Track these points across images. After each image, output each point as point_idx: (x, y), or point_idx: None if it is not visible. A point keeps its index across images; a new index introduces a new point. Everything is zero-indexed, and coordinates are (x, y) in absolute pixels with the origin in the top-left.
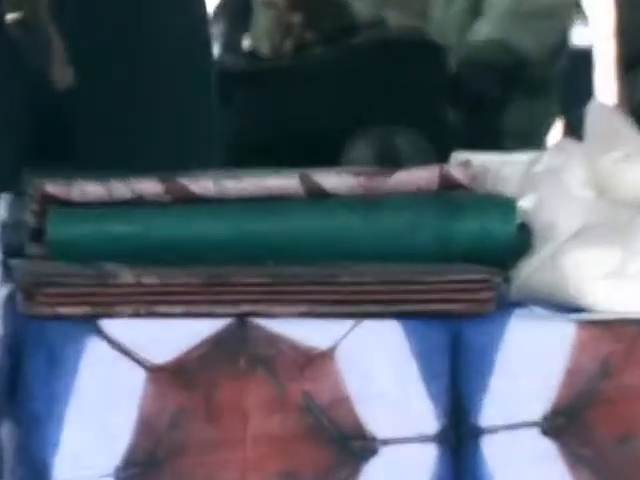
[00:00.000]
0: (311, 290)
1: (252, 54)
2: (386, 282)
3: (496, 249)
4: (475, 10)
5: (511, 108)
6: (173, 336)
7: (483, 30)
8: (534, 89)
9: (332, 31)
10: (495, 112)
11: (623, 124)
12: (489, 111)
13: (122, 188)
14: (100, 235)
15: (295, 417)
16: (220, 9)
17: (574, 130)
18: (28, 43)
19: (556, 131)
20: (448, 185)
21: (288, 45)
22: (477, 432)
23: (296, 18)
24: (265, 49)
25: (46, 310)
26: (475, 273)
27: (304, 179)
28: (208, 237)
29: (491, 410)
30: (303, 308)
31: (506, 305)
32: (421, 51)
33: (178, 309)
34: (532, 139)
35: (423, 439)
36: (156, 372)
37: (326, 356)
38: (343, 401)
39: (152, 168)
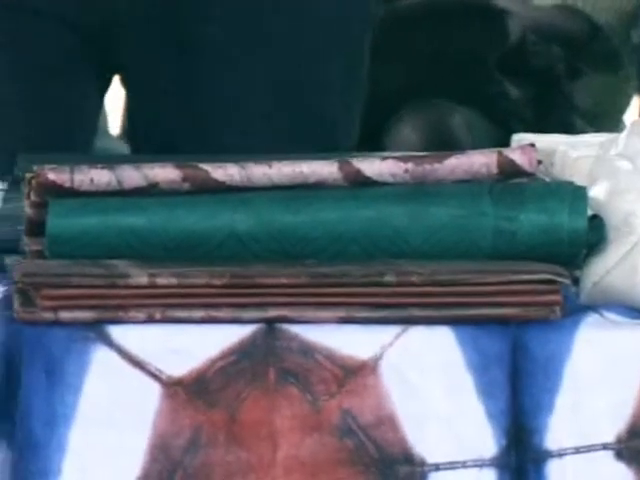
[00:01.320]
0: (351, 292)
1: None
2: (437, 283)
3: (563, 245)
4: None
5: (582, 84)
6: (192, 345)
7: None
8: (608, 62)
9: None
10: (563, 88)
11: None
12: (556, 87)
13: (134, 175)
14: (108, 229)
15: (333, 439)
16: None
17: None
18: None
19: (633, 110)
20: (508, 172)
21: None
22: (541, 456)
23: None
24: None
25: (46, 315)
26: (539, 273)
27: (343, 165)
28: (232, 231)
29: (557, 431)
30: (341, 312)
31: (575, 310)
32: (478, 16)
33: (198, 314)
34: (606, 119)
35: (479, 464)
36: (172, 386)
37: (368, 368)
38: (387, 420)
39: None
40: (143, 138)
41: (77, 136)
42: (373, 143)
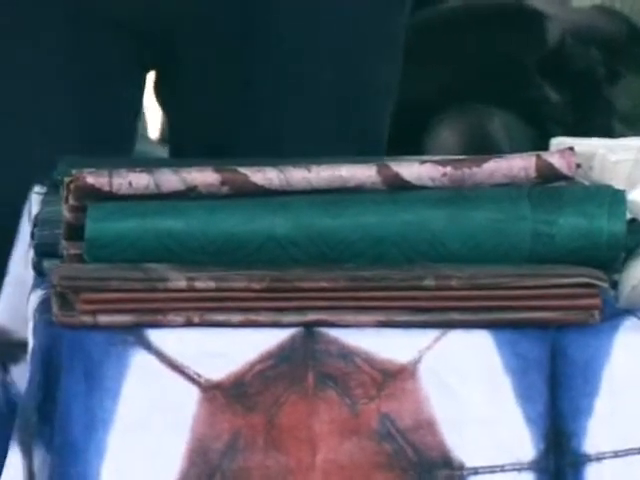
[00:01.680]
0: (390, 296)
1: None
2: (476, 287)
3: (602, 249)
4: None
5: (621, 87)
6: (231, 349)
7: None
8: None
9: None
10: (603, 91)
11: None
12: (596, 90)
13: (172, 179)
14: (147, 232)
15: (371, 443)
16: None
17: None
18: None
19: None
20: (547, 175)
21: None
22: (580, 460)
23: None
24: None
25: (85, 319)
26: (578, 276)
27: (382, 169)
28: (271, 235)
29: (596, 435)
30: (381, 316)
31: (613, 314)
32: (517, 20)
33: (236, 317)
34: None
35: (518, 467)
36: (211, 390)
37: (407, 372)
38: (426, 424)
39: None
40: (191, 140)
41: (127, 141)
42: (412, 146)
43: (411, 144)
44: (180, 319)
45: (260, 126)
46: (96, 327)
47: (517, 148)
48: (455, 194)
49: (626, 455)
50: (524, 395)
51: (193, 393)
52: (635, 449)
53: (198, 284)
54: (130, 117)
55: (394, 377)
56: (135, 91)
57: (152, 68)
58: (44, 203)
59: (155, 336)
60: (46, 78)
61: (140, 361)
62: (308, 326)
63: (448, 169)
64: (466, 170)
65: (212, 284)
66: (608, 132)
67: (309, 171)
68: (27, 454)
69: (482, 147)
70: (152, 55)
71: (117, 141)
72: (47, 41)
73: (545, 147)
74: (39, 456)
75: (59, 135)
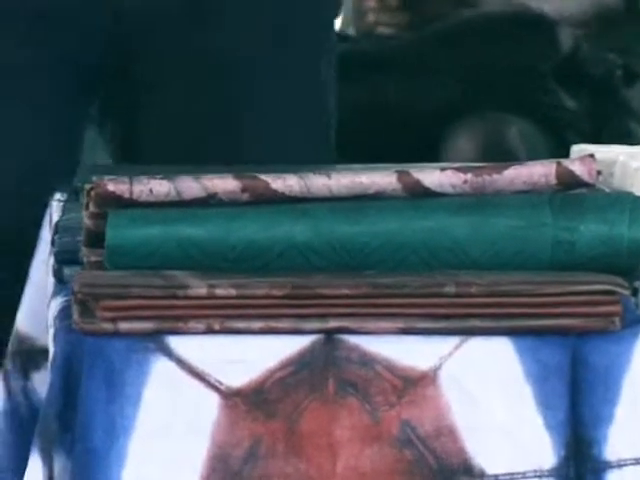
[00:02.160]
0: (410, 303)
1: (340, 35)
2: (496, 294)
3: (623, 256)
4: None
5: (638, 89)
6: (251, 356)
7: None
8: None
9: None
10: (620, 96)
11: None
12: (613, 95)
13: (193, 185)
14: (168, 239)
15: (392, 449)
16: None
17: None
18: None
19: None
20: (568, 182)
21: (384, 24)
22: (601, 467)
23: None
24: (354, 29)
25: (106, 326)
26: (599, 284)
27: (402, 176)
28: (292, 241)
29: (617, 442)
30: (401, 323)
31: (634, 321)
32: (529, 27)
33: (257, 324)
34: None
35: (539, 474)
36: (231, 397)
37: (427, 379)
38: (447, 431)
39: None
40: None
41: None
42: (430, 155)
43: (429, 153)
44: (201, 326)
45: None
46: (117, 334)
47: (535, 156)
48: (476, 201)
49: None
50: (545, 402)
51: (214, 400)
52: None
53: (219, 291)
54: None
55: (415, 384)
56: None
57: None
58: (65, 210)
59: (176, 343)
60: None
61: (161, 368)
62: (329, 333)
63: (469, 176)
64: (487, 177)
65: (233, 291)
66: (627, 136)
67: (329, 178)
68: (48, 461)
69: (500, 155)
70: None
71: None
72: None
73: (562, 155)
74: (60, 463)
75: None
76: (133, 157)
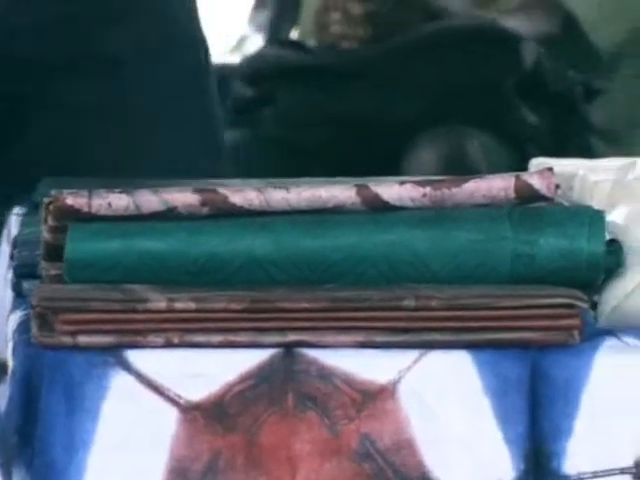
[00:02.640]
0: (370, 316)
1: (300, 46)
2: (456, 307)
3: (582, 269)
4: None
5: (598, 104)
6: (210, 369)
7: None
8: (626, 81)
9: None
10: (580, 110)
11: None
12: (573, 109)
13: (152, 199)
14: (127, 253)
15: (351, 463)
16: None
17: None
18: None
19: None
20: (527, 196)
21: (348, 36)
22: None
23: (359, 8)
24: (315, 41)
25: (65, 340)
26: (558, 297)
27: (361, 189)
28: (252, 255)
29: (576, 455)
30: (360, 337)
31: (593, 334)
32: (492, 42)
33: (216, 338)
34: (624, 140)
35: None
36: (190, 411)
37: (387, 392)
38: (406, 444)
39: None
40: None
41: None
42: (392, 167)
43: (391, 165)
44: (160, 340)
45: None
46: (76, 348)
47: (496, 169)
48: (436, 214)
49: (606, 476)
50: (504, 416)
51: (173, 414)
52: (615, 469)
53: (178, 305)
54: None
55: (374, 398)
56: None
57: None
58: (23, 224)
59: (135, 357)
60: None
61: (120, 382)
62: (288, 347)
63: (428, 189)
64: (446, 190)
65: (192, 305)
66: (587, 150)
67: (288, 192)
68: (7, 475)
69: (461, 168)
70: None
71: None
72: None
73: (524, 168)
74: (19, 477)
75: None
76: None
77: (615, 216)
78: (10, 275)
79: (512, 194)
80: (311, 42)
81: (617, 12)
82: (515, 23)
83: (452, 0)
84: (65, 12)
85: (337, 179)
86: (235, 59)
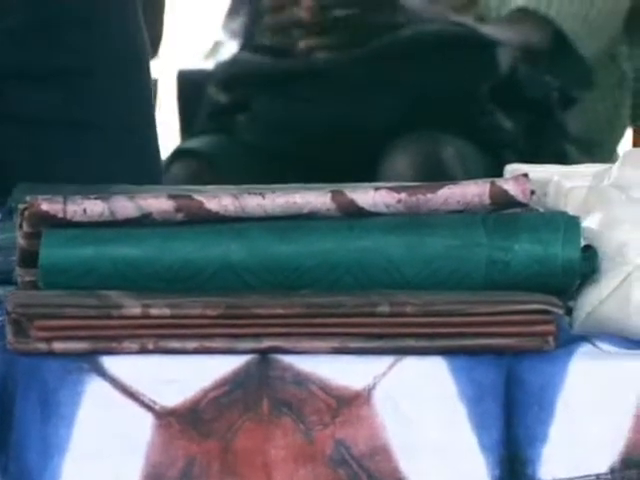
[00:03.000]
0: (344, 322)
1: (276, 52)
2: (431, 313)
3: (557, 275)
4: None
5: (574, 112)
6: (185, 375)
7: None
8: (602, 91)
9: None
10: (556, 117)
11: None
12: (549, 116)
13: (127, 205)
14: (102, 259)
15: (326, 469)
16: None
17: None
18: None
19: (626, 141)
20: (502, 202)
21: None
22: None
23: (339, 11)
24: (291, 46)
25: (40, 346)
26: (533, 303)
27: (336, 195)
28: (227, 261)
29: (551, 461)
30: (335, 343)
31: (568, 340)
32: (467, 47)
33: (191, 344)
34: (599, 148)
35: None
36: (166, 417)
37: (361, 398)
38: (381, 450)
39: None
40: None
41: None
42: (367, 172)
43: (365, 170)
44: (135, 346)
45: None
46: (51, 354)
47: (471, 175)
48: (410, 220)
49: None
50: (479, 422)
51: (148, 420)
52: (590, 475)
53: (153, 311)
54: None
55: (349, 404)
56: None
57: None
58: None
59: (110, 363)
60: None
61: (95, 388)
62: (263, 353)
63: (403, 195)
64: (421, 197)
65: (167, 311)
66: (562, 157)
67: (264, 198)
68: None
69: (436, 174)
70: None
71: None
72: None
73: (499, 174)
74: None
75: None
76: None
77: (590, 222)
78: None
79: (487, 200)
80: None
81: (600, 24)
82: (502, 34)
83: (428, 4)
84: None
85: (312, 185)
86: (209, 65)
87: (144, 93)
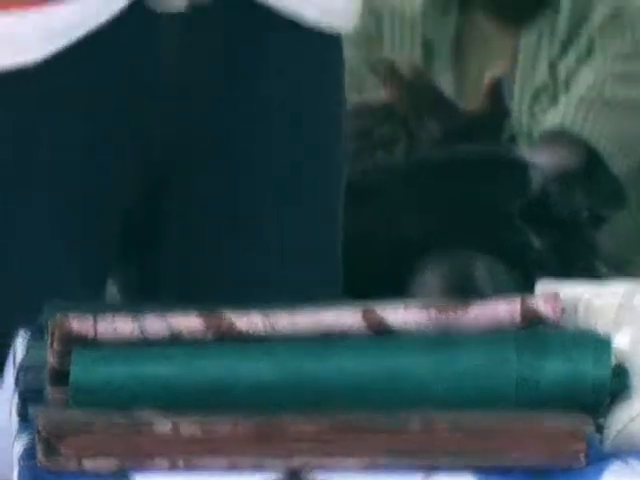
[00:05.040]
0: (374, 439)
1: None
2: (461, 430)
3: (588, 393)
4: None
5: (605, 230)
6: None
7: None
8: (633, 208)
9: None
10: (585, 235)
11: None
12: (579, 235)
13: (157, 324)
14: (132, 378)
15: None
16: None
17: None
18: None
19: None
20: (532, 320)
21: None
22: None
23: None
24: None
25: (70, 464)
26: (563, 421)
27: (366, 313)
28: (257, 380)
29: None
30: (366, 460)
31: (599, 458)
32: (500, 167)
33: (221, 462)
34: (630, 265)
35: None
36: None
37: None
38: None
39: None
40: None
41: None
42: (396, 290)
43: (396, 286)
44: (165, 463)
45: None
46: (81, 472)
47: (501, 292)
48: (440, 339)
49: None
50: None
51: None
52: None
53: (183, 428)
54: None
55: None
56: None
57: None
58: (28, 348)
59: None
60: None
61: None
62: (293, 470)
63: (433, 313)
64: (451, 314)
65: (197, 428)
66: (592, 273)
67: (294, 316)
68: None
69: (466, 291)
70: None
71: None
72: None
73: (529, 290)
74: None
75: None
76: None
77: (620, 340)
78: (15, 399)
79: (517, 318)
80: None
81: (633, 142)
82: (537, 156)
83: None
84: None
85: (342, 303)
86: None
87: None
